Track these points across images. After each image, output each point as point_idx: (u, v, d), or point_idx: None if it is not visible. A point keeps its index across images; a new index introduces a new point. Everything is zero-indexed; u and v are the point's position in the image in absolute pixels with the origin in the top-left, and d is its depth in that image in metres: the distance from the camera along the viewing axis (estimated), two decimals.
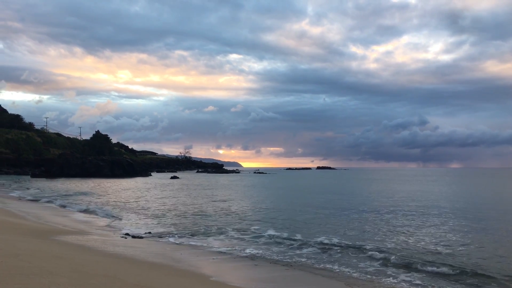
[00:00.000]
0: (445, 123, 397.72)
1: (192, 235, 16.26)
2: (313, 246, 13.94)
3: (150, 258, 11.45)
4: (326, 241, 14.73)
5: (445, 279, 10.30)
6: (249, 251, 13.27)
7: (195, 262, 11.52)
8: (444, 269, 10.93)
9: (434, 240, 15.13)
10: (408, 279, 10.29)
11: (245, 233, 16.55)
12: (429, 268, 11.06)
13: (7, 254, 8.32)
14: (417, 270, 11.02)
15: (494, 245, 14.30)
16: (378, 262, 11.84)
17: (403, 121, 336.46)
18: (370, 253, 12.83)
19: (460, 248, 13.68)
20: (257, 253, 13.06)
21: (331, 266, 11.44)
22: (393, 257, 12.23)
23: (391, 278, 10.37)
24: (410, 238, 15.62)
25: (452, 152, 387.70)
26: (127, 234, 15.98)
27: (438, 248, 13.64)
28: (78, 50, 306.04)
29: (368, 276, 10.56)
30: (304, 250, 13.48)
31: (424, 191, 43.67)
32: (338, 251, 13.26)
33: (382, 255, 12.48)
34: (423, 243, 14.58)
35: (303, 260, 12.20)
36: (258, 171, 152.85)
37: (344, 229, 17.74)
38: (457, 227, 18.42)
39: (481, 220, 20.40)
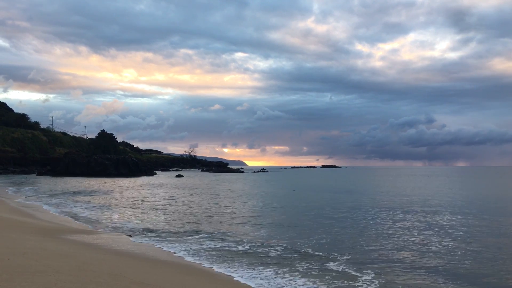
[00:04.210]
0: (452, 121, 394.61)
1: (197, 233, 16.30)
2: (313, 247, 13.93)
3: (155, 256, 11.52)
4: (325, 243, 14.76)
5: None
6: (252, 250, 13.29)
7: (200, 260, 11.57)
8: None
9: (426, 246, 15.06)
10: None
11: (248, 232, 16.56)
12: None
13: (14, 252, 8.41)
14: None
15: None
16: (370, 276, 11.72)
17: (410, 120, 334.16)
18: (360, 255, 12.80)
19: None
20: (260, 251, 13.07)
21: (330, 267, 11.44)
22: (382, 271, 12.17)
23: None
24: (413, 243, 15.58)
25: (458, 151, 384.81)
26: (132, 233, 16.07)
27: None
28: (83, 49, 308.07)
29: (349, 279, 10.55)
30: (305, 251, 13.46)
31: (432, 191, 43.47)
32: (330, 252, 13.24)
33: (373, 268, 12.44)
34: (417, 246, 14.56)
35: (303, 262, 12.19)
36: (262, 169, 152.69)
37: (343, 230, 17.72)
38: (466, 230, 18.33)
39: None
